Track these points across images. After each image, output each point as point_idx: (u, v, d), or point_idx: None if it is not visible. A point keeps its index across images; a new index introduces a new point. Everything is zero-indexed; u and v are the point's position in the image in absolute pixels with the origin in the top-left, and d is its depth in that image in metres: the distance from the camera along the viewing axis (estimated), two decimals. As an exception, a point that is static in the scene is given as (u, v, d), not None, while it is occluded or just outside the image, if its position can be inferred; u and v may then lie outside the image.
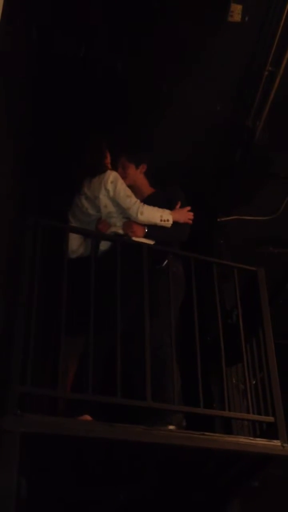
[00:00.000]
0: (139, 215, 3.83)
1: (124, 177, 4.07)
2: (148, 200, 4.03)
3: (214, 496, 3.67)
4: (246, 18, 3.92)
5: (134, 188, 4.10)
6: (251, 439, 3.30)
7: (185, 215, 4.02)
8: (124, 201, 3.88)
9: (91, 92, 4.38)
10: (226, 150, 4.85)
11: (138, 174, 4.17)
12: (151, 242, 3.83)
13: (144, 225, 3.86)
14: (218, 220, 5.16)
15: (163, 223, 3.87)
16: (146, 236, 3.85)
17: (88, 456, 3.13)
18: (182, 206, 4.03)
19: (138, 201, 3.89)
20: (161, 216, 3.88)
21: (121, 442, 2.96)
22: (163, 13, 3.93)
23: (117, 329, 3.17)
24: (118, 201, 3.88)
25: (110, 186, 3.89)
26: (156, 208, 3.90)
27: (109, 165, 4.05)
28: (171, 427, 3.27)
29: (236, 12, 3.88)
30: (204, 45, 4.07)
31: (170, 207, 3.97)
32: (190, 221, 4.04)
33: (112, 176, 3.94)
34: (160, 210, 3.91)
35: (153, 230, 3.87)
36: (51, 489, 3.42)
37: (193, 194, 4.74)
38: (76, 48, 4.15)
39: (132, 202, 3.87)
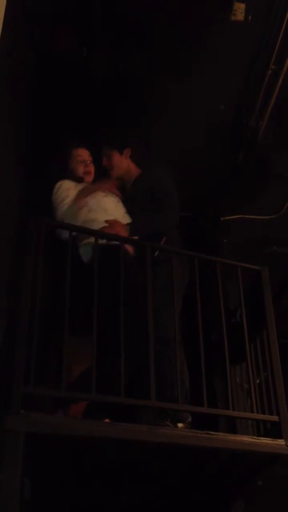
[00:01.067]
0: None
1: (111, 167, 4.03)
2: (134, 187, 3.99)
3: (218, 495, 3.67)
4: (249, 17, 3.92)
5: (123, 176, 4.06)
6: (255, 438, 3.28)
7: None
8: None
9: (92, 92, 4.39)
10: (229, 149, 4.85)
11: (123, 160, 4.05)
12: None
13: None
14: (222, 219, 5.17)
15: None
16: (131, 234, 3.68)
17: (92, 456, 3.12)
18: (170, 191, 3.88)
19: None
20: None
21: (124, 442, 2.96)
22: (165, 12, 3.93)
23: (120, 328, 3.16)
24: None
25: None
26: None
27: (78, 170, 4.01)
28: (180, 425, 3.27)
29: (239, 11, 3.89)
30: (206, 44, 4.08)
31: (153, 195, 3.87)
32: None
33: (55, 187, 3.90)
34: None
35: (136, 225, 3.70)
36: (55, 489, 3.42)
37: (196, 193, 4.76)
38: (76, 49, 4.16)
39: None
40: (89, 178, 4.02)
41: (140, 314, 3.32)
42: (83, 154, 4.05)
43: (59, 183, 3.91)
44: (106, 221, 3.68)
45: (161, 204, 3.82)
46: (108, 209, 3.79)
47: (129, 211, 3.95)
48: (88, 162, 4.04)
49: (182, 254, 3.72)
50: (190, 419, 3.33)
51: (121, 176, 4.06)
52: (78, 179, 4.00)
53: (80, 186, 3.92)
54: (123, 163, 4.05)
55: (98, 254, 3.38)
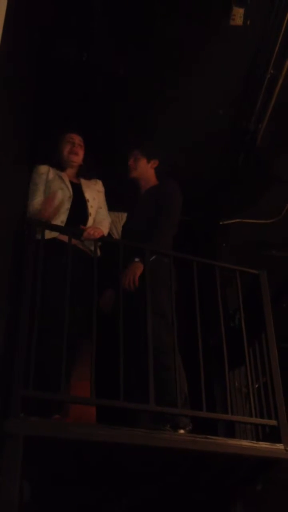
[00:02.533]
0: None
1: (134, 168, 4.15)
2: (145, 195, 4.07)
3: (217, 500, 3.66)
4: (248, 22, 3.93)
5: (140, 181, 4.16)
6: (254, 443, 3.29)
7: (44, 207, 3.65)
8: None
9: (92, 96, 4.40)
10: (229, 153, 4.86)
11: (148, 169, 4.18)
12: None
13: None
14: (221, 223, 5.17)
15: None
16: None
17: (91, 459, 3.13)
18: (171, 211, 3.92)
19: (29, 205, 3.74)
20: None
21: (124, 446, 2.95)
22: (165, 17, 3.94)
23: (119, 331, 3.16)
24: None
25: None
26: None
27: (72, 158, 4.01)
28: (181, 431, 3.27)
29: (238, 16, 3.89)
30: (206, 48, 4.08)
31: (157, 205, 3.90)
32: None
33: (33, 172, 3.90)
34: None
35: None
36: (54, 492, 3.42)
37: (195, 197, 4.75)
38: (77, 52, 4.17)
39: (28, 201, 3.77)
40: (75, 158, 4.03)
41: (133, 320, 3.33)
42: (74, 137, 4.09)
43: (35, 168, 3.92)
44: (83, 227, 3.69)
45: (157, 221, 3.83)
46: None
47: (135, 217, 4.06)
48: (77, 144, 4.07)
49: (181, 258, 3.72)
50: (190, 427, 3.33)
51: (139, 179, 4.18)
52: (65, 162, 4.02)
53: (54, 172, 3.90)
54: (147, 171, 4.18)
55: (96, 260, 3.38)
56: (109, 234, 4.01)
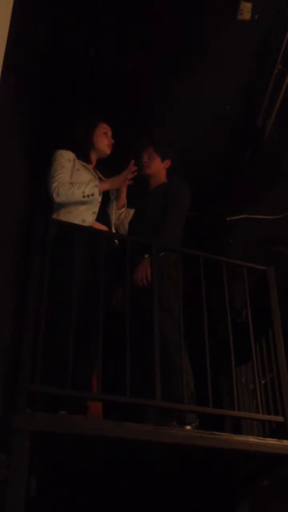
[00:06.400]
0: (55, 197, 3.60)
1: (147, 166, 4.14)
2: (154, 192, 4.09)
3: (223, 496, 3.66)
4: (256, 16, 3.93)
5: (151, 179, 4.17)
6: (260, 439, 3.27)
7: (119, 179, 3.78)
8: (48, 182, 3.67)
9: (97, 92, 4.40)
10: (236, 148, 4.85)
11: (161, 168, 4.19)
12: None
13: None
14: (228, 219, 5.16)
15: (87, 199, 3.65)
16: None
17: (97, 455, 3.13)
18: (180, 198, 3.94)
19: (59, 181, 3.64)
20: (83, 192, 3.62)
21: (130, 441, 2.96)
22: (173, 12, 3.94)
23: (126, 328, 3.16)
24: None
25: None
26: (79, 184, 3.66)
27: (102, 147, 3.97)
28: (187, 427, 3.27)
29: (245, 10, 3.89)
30: (213, 43, 4.08)
31: (165, 202, 3.90)
32: (126, 182, 3.80)
33: (53, 155, 3.77)
34: (84, 184, 3.67)
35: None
36: (61, 488, 3.43)
37: (202, 193, 4.75)
38: (83, 48, 4.17)
39: (51, 182, 3.62)
40: (109, 151, 4.01)
41: (142, 317, 3.33)
42: (109, 130, 4.06)
43: (59, 151, 3.82)
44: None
45: (165, 218, 3.83)
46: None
47: (143, 213, 4.06)
48: (110, 137, 4.04)
49: (189, 254, 3.71)
50: (197, 423, 3.32)
51: (149, 177, 4.19)
52: (97, 152, 3.98)
53: (79, 163, 3.83)
54: (159, 170, 4.19)
55: (103, 258, 3.38)
56: (116, 230, 4.01)
